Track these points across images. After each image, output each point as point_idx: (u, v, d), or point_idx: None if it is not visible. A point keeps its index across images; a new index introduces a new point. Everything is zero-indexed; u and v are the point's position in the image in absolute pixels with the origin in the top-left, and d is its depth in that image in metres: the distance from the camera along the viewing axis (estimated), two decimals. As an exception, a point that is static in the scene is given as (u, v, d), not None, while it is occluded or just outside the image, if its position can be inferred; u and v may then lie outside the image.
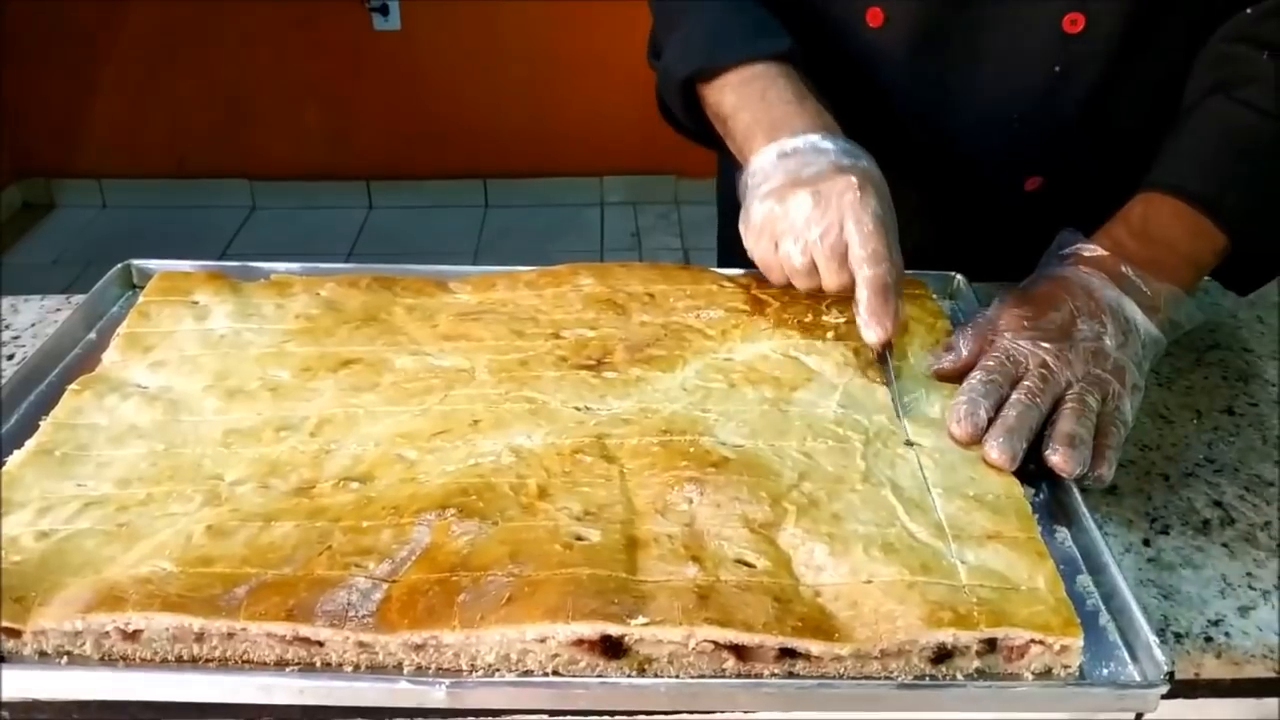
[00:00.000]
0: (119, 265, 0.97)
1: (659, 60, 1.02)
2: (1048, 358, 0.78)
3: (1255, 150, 0.87)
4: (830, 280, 0.82)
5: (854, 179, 0.80)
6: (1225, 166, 0.87)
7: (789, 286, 0.86)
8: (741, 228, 0.87)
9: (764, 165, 0.85)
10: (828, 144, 0.84)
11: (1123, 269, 0.84)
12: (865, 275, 0.79)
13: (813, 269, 0.82)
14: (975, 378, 0.77)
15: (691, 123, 1.00)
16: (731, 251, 1.26)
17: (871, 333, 0.80)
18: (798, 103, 0.89)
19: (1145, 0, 0.93)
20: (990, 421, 0.75)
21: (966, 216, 1.05)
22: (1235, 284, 0.94)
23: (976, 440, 0.74)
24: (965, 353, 0.81)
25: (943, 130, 1.02)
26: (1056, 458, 0.72)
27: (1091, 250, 0.85)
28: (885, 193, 0.83)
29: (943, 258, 0.96)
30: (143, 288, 0.92)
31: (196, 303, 0.89)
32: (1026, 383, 0.76)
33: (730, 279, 0.94)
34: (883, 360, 0.82)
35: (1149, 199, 0.88)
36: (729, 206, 1.24)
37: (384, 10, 3.58)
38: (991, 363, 0.78)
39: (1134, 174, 0.95)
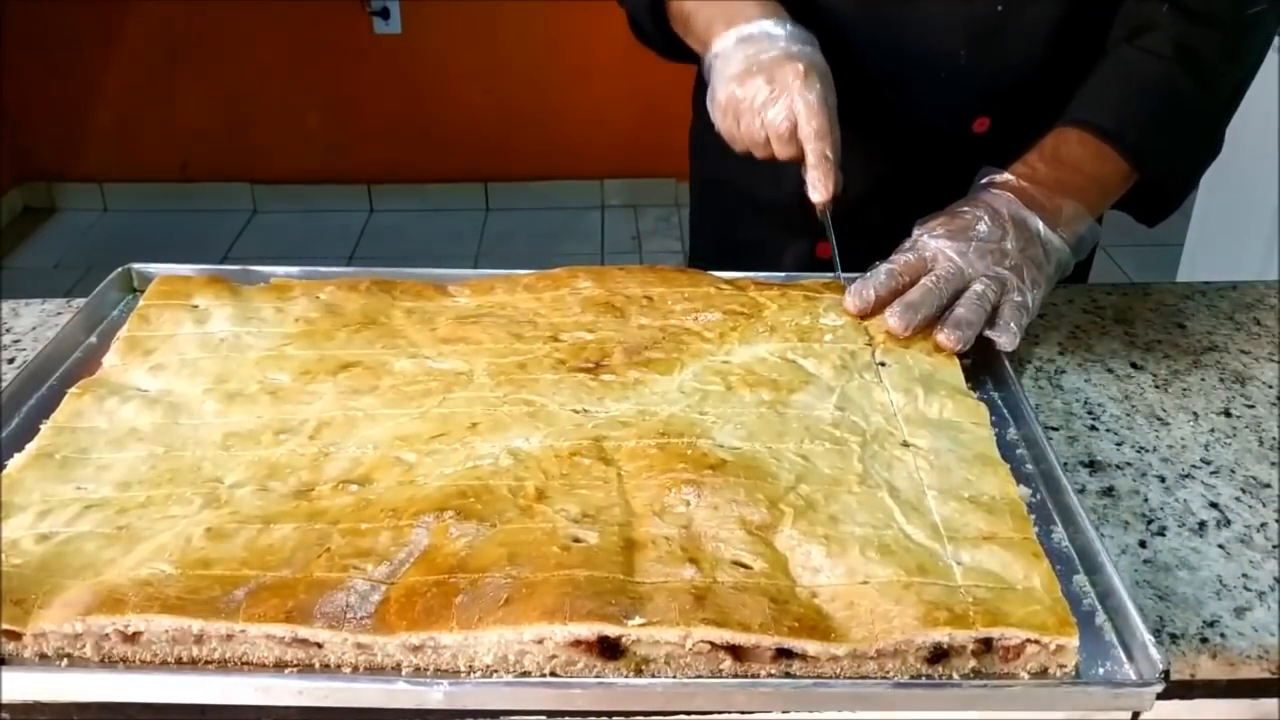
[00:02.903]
0: (119, 269, 0.97)
1: None
2: (952, 254, 0.89)
3: (1151, 87, 0.98)
4: (782, 152, 0.94)
5: (800, 66, 0.92)
6: (1125, 102, 0.98)
7: (752, 160, 0.97)
8: (709, 105, 0.98)
9: (725, 49, 0.97)
10: (779, 30, 0.96)
11: (1028, 188, 0.94)
12: (810, 148, 0.92)
13: (769, 142, 0.94)
14: (880, 266, 0.91)
15: (659, 37, 1.11)
16: (701, 238, 1.33)
17: (816, 194, 0.93)
18: None
19: None
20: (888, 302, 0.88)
21: (916, 158, 1.11)
22: (1144, 217, 1.04)
23: (865, 313, 0.89)
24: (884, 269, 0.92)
25: (892, 66, 1.08)
26: (941, 336, 0.86)
27: (1002, 176, 0.95)
28: (828, 76, 0.94)
29: (893, 201, 1.00)
30: (143, 291, 0.92)
31: (196, 306, 0.89)
32: (928, 275, 0.89)
33: (728, 282, 0.95)
34: (824, 218, 0.95)
35: (1059, 132, 0.98)
36: (700, 189, 1.34)
37: (385, 14, 3.59)
38: (898, 256, 0.91)
39: None
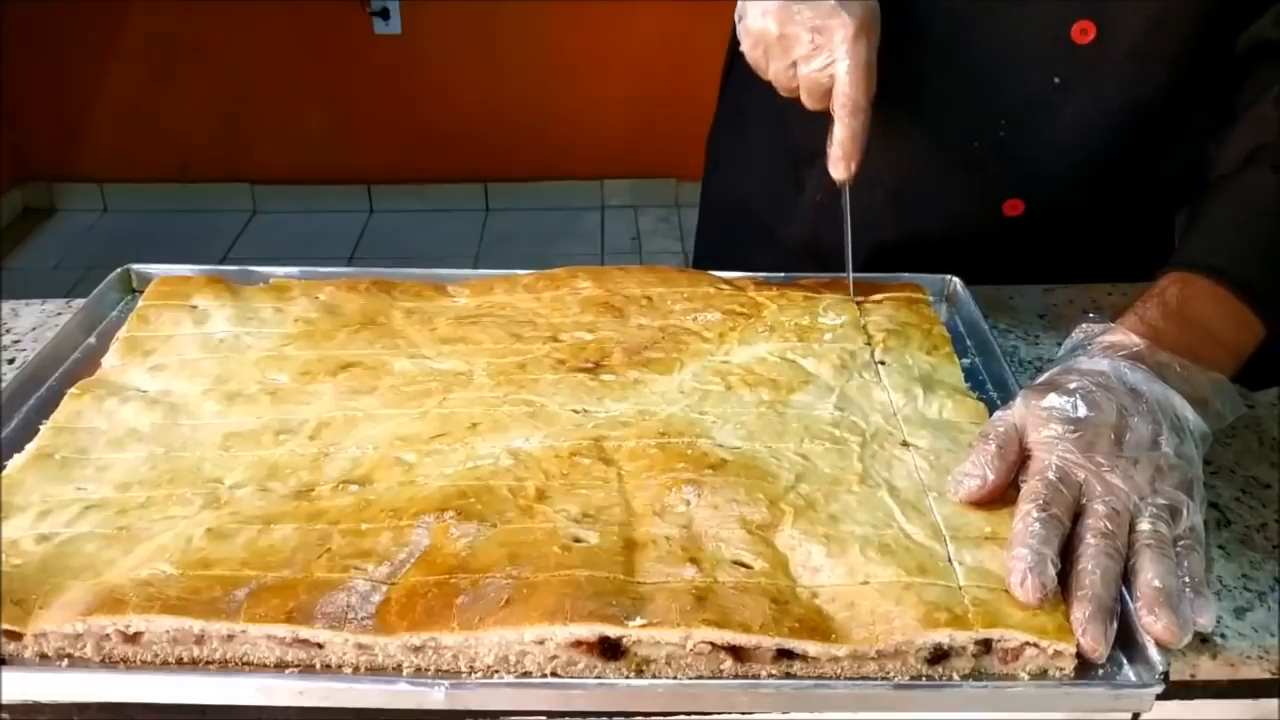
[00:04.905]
0: (118, 269, 0.97)
1: None
2: (1112, 478, 0.66)
3: None
4: (811, 106, 0.87)
5: (851, 23, 0.82)
6: (1268, 250, 0.78)
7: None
8: (737, 20, 0.89)
9: None
10: None
11: (1164, 359, 0.72)
12: (843, 121, 0.84)
13: (799, 90, 0.87)
14: (1030, 516, 0.64)
15: None
16: (706, 255, 1.26)
17: (838, 171, 0.86)
18: None
19: (1168, 23, 0.89)
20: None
21: (939, 227, 1.01)
22: (1249, 379, 0.81)
23: (1045, 601, 0.62)
24: (992, 475, 0.68)
25: (926, 125, 0.99)
26: (1159, 626, 0.61)
27: (1128, 339, 0.74)
28: (876, 35, 0.85)
29: (908, 266, 0.94)
30: (142, 292, 0.92)
31: (195, 307, 0.89)
32: (1095, 522, 0.64)
33: (728, 282, 0.95)
34: (842, 190, 0.89)
35: (1185, 279, 0.77)
36: (712, 207, 1.25)
37: (385, 14, 3.59)
38: (1042, 489, 0.65)
39: (1119, 225, 0.91)
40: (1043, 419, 0.69)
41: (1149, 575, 0.62)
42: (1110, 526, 0.64)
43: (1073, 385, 0.70)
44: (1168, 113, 0.94)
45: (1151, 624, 0.61)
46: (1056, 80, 0.92)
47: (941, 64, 0.96)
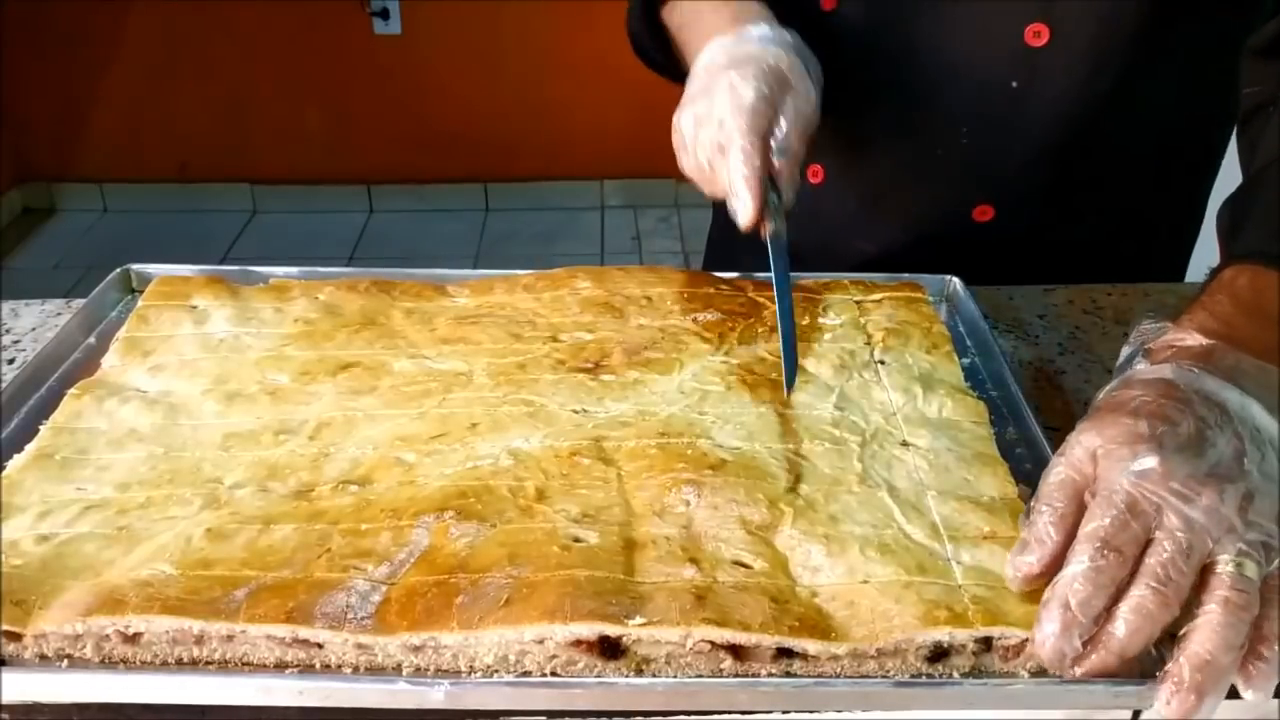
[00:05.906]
0: (118, 269, 0.97)
1: None
2: (1192, 511, 0.56)
3: None
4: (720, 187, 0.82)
5: (733, 75, 0.78)
6: None
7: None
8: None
9: (694, 68, 0.85)
10: (752, 32, 0.81)
11: (1235, 360, 0.63)
12: (722, 175, 0.81)
13: (715, 179, 0.82)
14: (1084, 559, 0.56)
15: (657, 50, 1.01)
16: (718, 257, 1.27)
17: (740, 218, 0.80)
18: (731, 5, 0.86)
19: (1117, 20, 0.90)
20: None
21: (913, 235, 1.01)
22: None
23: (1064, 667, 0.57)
24: (1048, 551, 0.59)
25: (889, 134, 0.98)
26: (1171, 708, 0.54)
27: (1192, 338, 0.65)
28: (777, 74, 0.79)
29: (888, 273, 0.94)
30: (142, 292, 0.92)
31: (195, 307, 0.89)
32: (1155, 564, 0.55)
33: (727, 282, 0.95)
34: (769, 244, 0.83)
35: (1253, 270, 0.70)
36: (719, 209, 1.23)
37: (385, 14, 3.60)
38: (1106, 520, 0.57)
39: (1092, 231, 0.90)
40: (1111, 444, 0.60)
41: (1204, 639, 0.54)
42: (1170, 573, 0.55)
43: (1135, 401, 0.61)
44: (1125, 110, 0.94)
45: (1162, 704, 0.55)
46: (1014, 84, 0.92)
47: (899, 74, 0.95)
